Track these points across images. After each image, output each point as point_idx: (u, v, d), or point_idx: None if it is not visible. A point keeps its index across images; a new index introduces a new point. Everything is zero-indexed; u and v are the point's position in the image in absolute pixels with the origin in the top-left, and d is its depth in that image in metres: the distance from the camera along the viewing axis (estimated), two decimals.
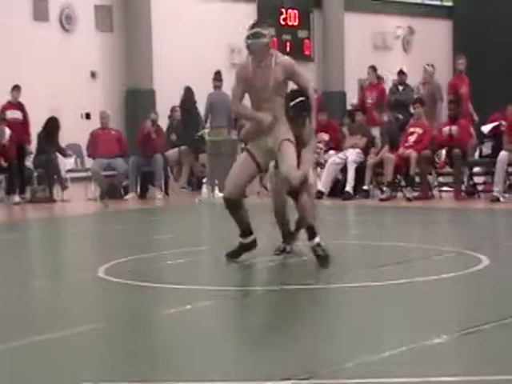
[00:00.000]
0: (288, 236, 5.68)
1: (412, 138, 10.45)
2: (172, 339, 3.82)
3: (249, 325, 4.12)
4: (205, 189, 11.36)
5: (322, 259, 5.23)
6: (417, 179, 10.45)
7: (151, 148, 11.59)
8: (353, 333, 3.75)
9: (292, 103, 5.25)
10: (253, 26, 5.23)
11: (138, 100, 15.11)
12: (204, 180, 11.63)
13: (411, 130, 10.57)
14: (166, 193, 11.84)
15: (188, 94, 12.98)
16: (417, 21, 20.00)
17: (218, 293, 4.78)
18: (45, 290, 5.06)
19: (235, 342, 3.73)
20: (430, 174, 10.50)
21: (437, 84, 11.92)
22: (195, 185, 12.33)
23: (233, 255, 5.51)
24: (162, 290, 4.93)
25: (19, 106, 11.71)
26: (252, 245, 5.52)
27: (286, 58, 5.37)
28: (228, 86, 12.31)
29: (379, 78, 12.59)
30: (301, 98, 5.22)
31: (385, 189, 10.35)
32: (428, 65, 12.14)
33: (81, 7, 14.76)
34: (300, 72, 5.31)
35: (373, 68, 12.49)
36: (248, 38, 5.18)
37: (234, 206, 5.48)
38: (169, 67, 15.34)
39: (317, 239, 5.26)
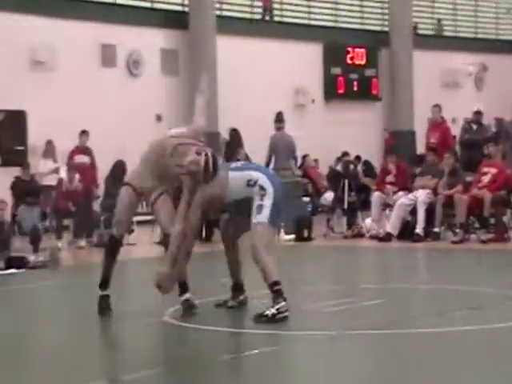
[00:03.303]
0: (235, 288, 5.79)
1: (486, 179, 10.34)
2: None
3: (319, 372, 4.13)
4: None
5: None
6: (491, 220, 10.29)
7: None
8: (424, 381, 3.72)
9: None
10: None
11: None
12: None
13: (485, 169, 10.46)
14: None
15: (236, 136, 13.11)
16: (490, 57, 19.84)
17: (285, 338, 4.82)
18: (108, 333, 5.19)
19: None
20: (505, 214, 10.33)
21: None
22: None
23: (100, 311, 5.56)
24: (229, 334, 5.01)
25: (87, 151, 12.14)
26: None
27: None
28: (291, 126, 12.53)
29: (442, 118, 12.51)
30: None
31: (457, 231, 10.22)
32: None
33: (147, 52, 15.29)
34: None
35: (437, 106, 12.43)
36: None
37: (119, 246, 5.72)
38: (233, 111, 15.61)
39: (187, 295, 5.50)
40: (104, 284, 5.64)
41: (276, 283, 5.32)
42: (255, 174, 5.44)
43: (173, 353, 4.58)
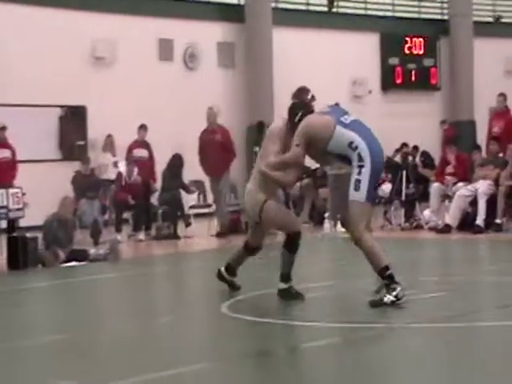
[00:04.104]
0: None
1: None
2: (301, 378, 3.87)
3: (377, 364, 4.09)
4: (327, 224, 11.40)
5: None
6: None
7: None
8: (488, 375, 3.65)
9: None
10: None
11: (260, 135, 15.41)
12: (326, 215, 11.67)
13: None
14: None
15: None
16: None
17: (342, 330, 4.79)
18: (167, 325, 5.25)
19: None
20: None
21: None
22: (316, 220, 12.38)
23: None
24: (285, 326, 5.00)
25: (145, 145, 12.29)
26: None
27: None
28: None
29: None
30: None
31: None
32: None
33: (204, 45, 15.36)
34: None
35: (503, 95, 12.12)
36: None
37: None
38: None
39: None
40: (232, 271, 6.04)
41: (387, 268, 5.07)
42: (358, 140, 5.30)
43: (232, 345, 4.59)
